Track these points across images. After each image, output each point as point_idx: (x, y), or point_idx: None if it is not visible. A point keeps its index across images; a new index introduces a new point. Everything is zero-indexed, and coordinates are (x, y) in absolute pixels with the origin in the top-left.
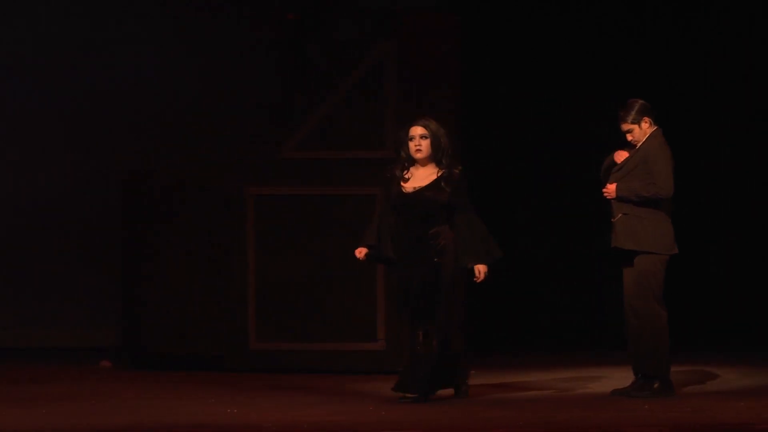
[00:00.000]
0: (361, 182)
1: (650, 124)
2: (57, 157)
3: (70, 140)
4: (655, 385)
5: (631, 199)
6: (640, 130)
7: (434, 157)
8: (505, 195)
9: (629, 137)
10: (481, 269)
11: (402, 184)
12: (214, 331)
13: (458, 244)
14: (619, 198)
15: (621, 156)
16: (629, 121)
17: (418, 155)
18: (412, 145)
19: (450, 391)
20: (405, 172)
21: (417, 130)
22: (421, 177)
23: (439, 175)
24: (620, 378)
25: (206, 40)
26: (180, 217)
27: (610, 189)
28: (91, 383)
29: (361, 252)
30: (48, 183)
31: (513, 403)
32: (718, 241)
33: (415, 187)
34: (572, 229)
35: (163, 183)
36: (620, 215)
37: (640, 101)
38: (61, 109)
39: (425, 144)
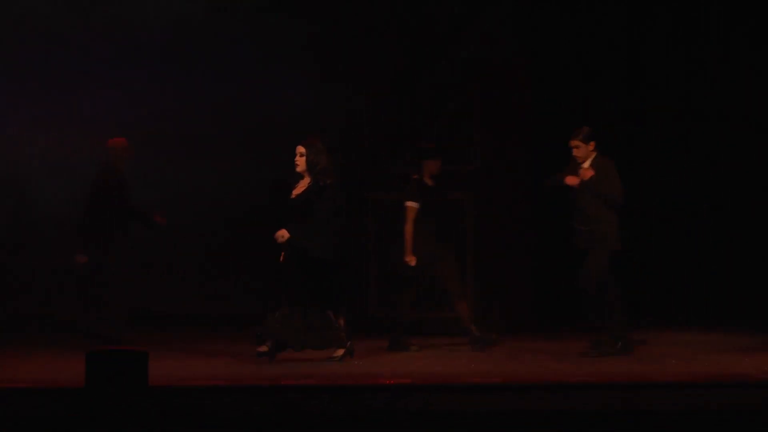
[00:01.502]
0: (451, 189)
1: (594, 148)
2: (227, 167)
3: (238, 154)
4: (618, 345)
5: (600, 195)
6: (586, 149)
7: (309, 171)
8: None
9: (575, 152)
10: (281, 233)
11: (293, 191)
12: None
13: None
14: (590, 186)
15: (573, 180)
16: (579, 140)
17: (297, 169)
18: (294, 160)
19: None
20: (296, 181)
21: (297, 149)
22: (301, 186)
23: (308, 185)
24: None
25: (338, 80)
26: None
27: (586, 174)
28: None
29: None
30: (213, 187)
31: (572, 359)
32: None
33: (295, 194)
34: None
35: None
36: (590, 226)
37: (589, 128)
38: (231, 131)
39: (301, 161)
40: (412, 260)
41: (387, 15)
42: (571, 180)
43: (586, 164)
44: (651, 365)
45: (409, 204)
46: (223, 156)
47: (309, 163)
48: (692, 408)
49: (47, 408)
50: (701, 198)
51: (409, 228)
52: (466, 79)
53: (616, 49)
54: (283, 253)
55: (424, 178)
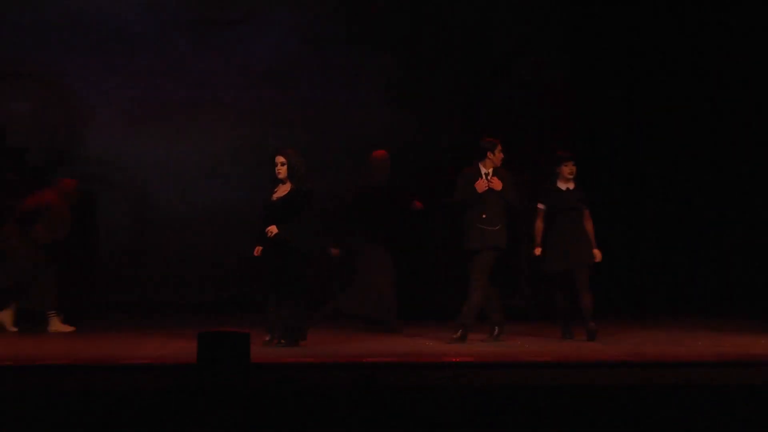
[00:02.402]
0: None
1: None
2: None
3: (329, 166)
4: (459, 333)
5: (509, 200)
6: (495, 158)
7: (290, 178)
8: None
9: (501, 155)
10: (272, 229)
11: (272, 195)
12: (411, 296)
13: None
14: (505, 194)
15: (483, 185)
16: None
17: (279, 176)
18: (275, 169)
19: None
20: (275, 187)
21: (278, 159)
22: (281, 191)
23: (290, 190)
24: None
25: (411, 101)
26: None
27: (497, 183)
28: (325, 328)
29: (257, 250)
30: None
31: (615, 340)
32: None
33: (276, 198)
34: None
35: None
36: (500, 226)
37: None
38: (324, 147)
39: (283, 169)
40: (537, 251)
41: (453, 45)
42: (482, 185)
43: (490, 171)
44: (679, 346)
45: (539, 205)
46: (317, 168)
47: (290, 171)
48: (720, 383)
49: (164, 382)
50: (710, 202)
51: (538, 225)
52: (521, 99)
53: (649, 66)
54: (260, 248)
55: (558, 183)
